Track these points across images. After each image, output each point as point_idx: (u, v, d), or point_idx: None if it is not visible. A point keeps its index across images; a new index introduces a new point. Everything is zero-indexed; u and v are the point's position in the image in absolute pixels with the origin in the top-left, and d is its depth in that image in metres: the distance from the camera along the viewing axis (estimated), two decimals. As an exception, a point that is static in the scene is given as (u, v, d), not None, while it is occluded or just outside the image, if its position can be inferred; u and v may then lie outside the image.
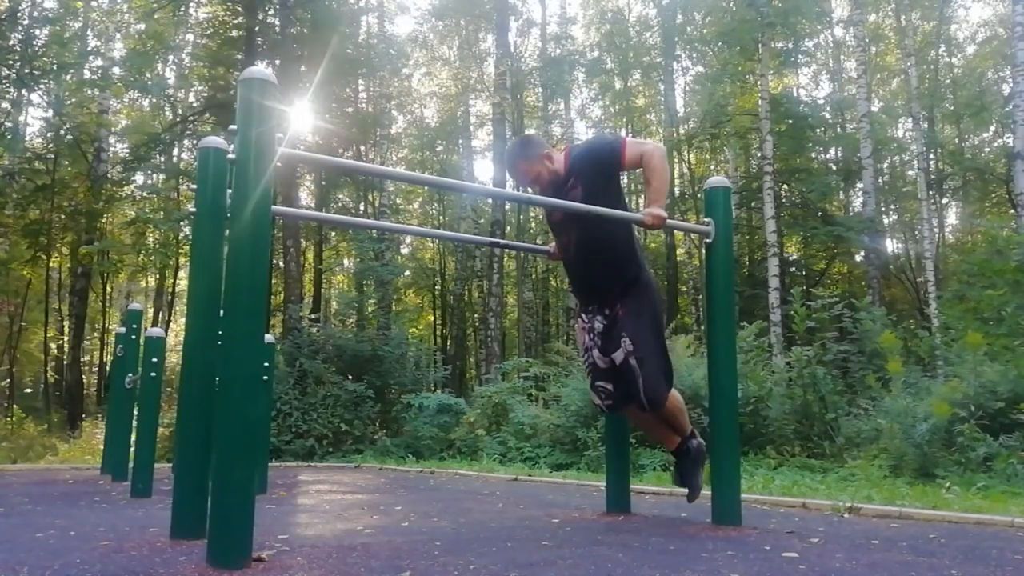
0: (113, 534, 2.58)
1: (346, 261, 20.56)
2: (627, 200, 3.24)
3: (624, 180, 3.21)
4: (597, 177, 3.00)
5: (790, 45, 15.47)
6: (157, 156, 14.49)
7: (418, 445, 8.71)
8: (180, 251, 16.52)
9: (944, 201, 19.92)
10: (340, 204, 17.96)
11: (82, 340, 15.84)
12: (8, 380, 15.06)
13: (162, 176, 15.77)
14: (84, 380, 17.13)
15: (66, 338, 16.53)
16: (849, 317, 7.44)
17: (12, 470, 6.76)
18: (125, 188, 15.45)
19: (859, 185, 16.17)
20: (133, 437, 4.96)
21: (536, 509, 3.63)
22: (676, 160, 19.91)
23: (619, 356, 2.93)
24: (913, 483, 4.64)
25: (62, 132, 14.90)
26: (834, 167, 18.27)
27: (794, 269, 17.99)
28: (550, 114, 20.89)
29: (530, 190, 3.27)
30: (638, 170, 3.05)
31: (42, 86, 13.49)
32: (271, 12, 13.44)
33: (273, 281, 14.53)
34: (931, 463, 4.93)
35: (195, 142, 13.20)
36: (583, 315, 3.15)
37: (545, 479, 5.76)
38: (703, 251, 5.25)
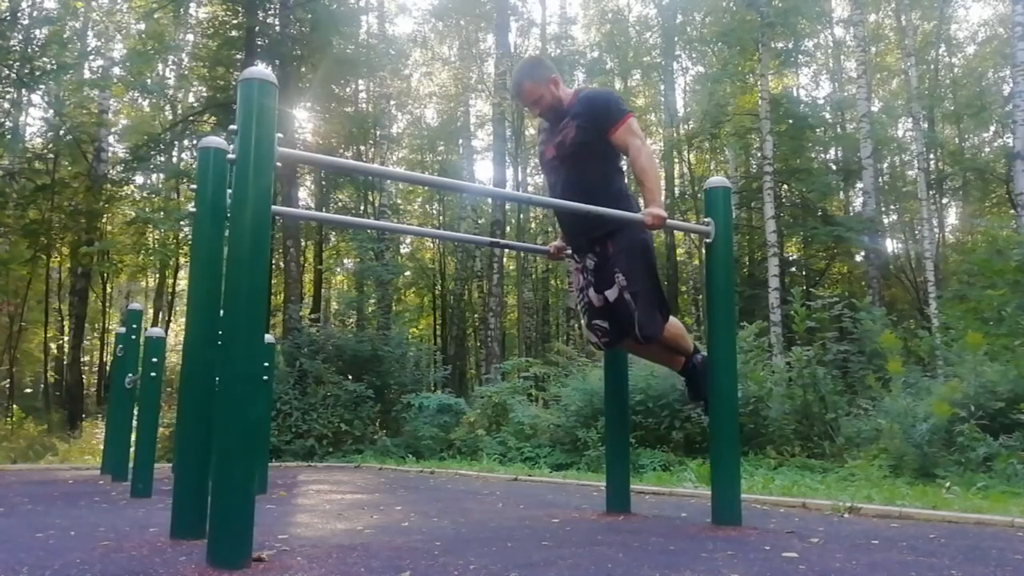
0: (113, 534, 2.58)
1: (346, 261, 20.56)
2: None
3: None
4: (591, 127, 3.03)
5: (790, 45, 15.48)
6: (157, 156, 14.49)
7: (418, 445, 8.71)
8: (180, 251, 16.53)
9: (944, 201, 19.92)
10: (340, 204, 17.95)
11: (82, 340, 15.83)
12: (8, 380, 15.06)
13: (162, 176, 15.75)
14: (84, 380, 17.13)
15: (66, 338, 16.53)
16: (849, 317, 7.44)
17: (12, 470, 6.76)
18: (125, 188, 15.45)
19: (859, 185, 16.17)
20: (133, 437, 4.95)
21: (536, 509, 3.63)
22: (676, 160, 19.92)
23: (613, 293, 2.97)
24: (913, 483, 4.64)
25: (62, 132, 14.89)
26: (834, 167, 18.28)
27: (794, 269, 18.00)
28: (550, 114, 20.82)
29: (536, 142, 3.27)
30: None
31: (42, 86, 13.48)
32: (271, 12, 13.44)
33: (273, 281, 14.53)
34: (931, 463, 4.93)
35: (195, 142, 13.19)
36: (575, 256, 3.20)
37: (545, 479, 5.76)
38: (703, 251, 5.24)
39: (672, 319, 3.09)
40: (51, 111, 15.29)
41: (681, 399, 6.43)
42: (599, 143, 3.03)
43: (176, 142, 15.07)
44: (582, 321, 3.28)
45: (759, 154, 15.85)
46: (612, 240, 3.01)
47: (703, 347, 3.27)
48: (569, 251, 3.24)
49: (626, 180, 3.24)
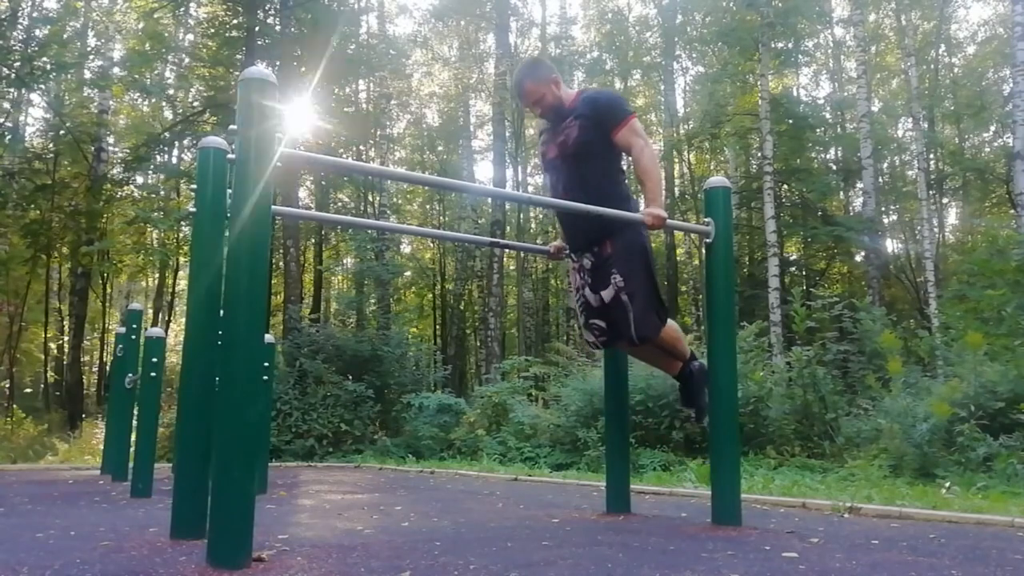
0: (113, 534, 2.58)
1: (346, 261, 20.56)
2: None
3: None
4: (593, 128, 3.02)
5: (790, 45, 15.48)
6: (157, 156, 14.49)
7: (418, 445, 8.71)
8: (180, 251, 16.52)
9: (944, 201, 19.92)
10: (340, 204, 17.96)
11: (82, 340, 15.83)
12: (8, 380, 15.05)
13: (162, 176, 15.75)
14: (84, 380, 17.12)
15: (66, 338, 16.53)
16: (849, 317, 7.45)
17: (12, 470, 6.76)
18: (125, 188, 15.45)
19: (859, 185, 16.17)
20: (133, 437, 4.95)
21: (536, 509, 3.63)
22: (676, 160, 19.92)
23: (609, 293, 2.97)
24: (913, 483, 4.64)
25: (62, 132, 14.89)
26: (834, 167, 18.28)
27: (794, 269, 17.99)
28: (550, 114, 20.82)
29: (536, 142, 3.27)
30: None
31: (42, 86, 13.48)
32: (271, 12, 13.44)
33: (273, 281, 14.53)
34: (931, 463, 4.92)
35: (195, 142, 13.19)
36: (573, 255, 3.19)
37: (545, 479, 5.76)
38: (703, 251, 5.24)
39: (670, 322, 3.09)
40: (51, 111, 15.29)
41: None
42: (601, 143, 3.03)
43: (176, 142, 15.07)
44: (579, 320, 3.28)
45: (759, 154, 15.85)
46: (610, 240, 3.01)
47: (703, 347, 3.27)
48: (568, 251, 3.25)
49: (627, 181, 3.24)
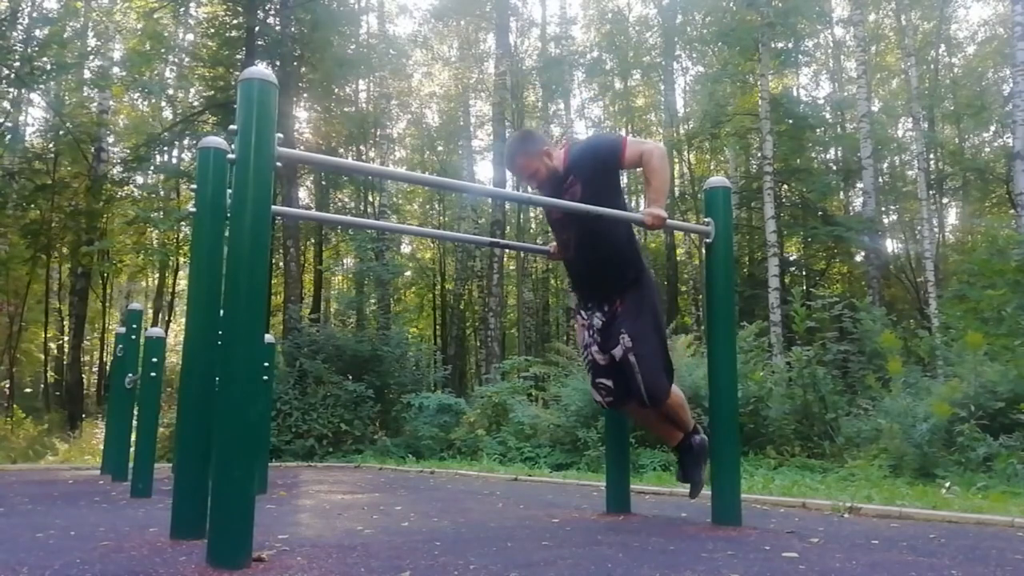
0: (113, 534, 2.58)
1: (346, 261, 20.56)
2: (627, 200, 3.24)
3: (624, 180, 3.22)
4: (596, 175, 2.99)
5: (790, 45, 15.46)
6: (157, 156, 14.49)
7: (418, 445, 8.71)
8: (180, 251, 16.52)
9: (944, 201, 19.91)
10: (340, 204, 17.95)
11: (82, 340, 15.83)
12: (8, 380, 15.05)
13: (162, 176, 15.76)
14: (84, 380, 17.12)
15: (66, 338, 16.52)
16: (849, 317, 7.44)
17: (12, 470, 6.76)
18: (125, 188, 15.45)
19: (859, 185, 16.16)
20: (133, 437, 4.95)
21: (536, 509, 3.63)
22: (676, 160, 19.91)
23: (618, 352, 2.92)
24: (913, 483, 4.64)
25: (62, 132, 14.89)
26: (834, 167, 18.27)
27: (794, 269, 17.98)
28: (550, 114, 20.88)
29: (529, 189, 3.26)
30: (638, 169, 3.04)
31: (42, 86, 13.48)
32: (271, 12, 13.44)
33: (273, 281, 14.53)
34: (931, 463, 4.92)
35: (195, 142, 13.19)
36: (582, 312, 3.14)
37: (545, 479, 5.76)
38: (703, 251, 5.24)
39: (675, 388, 3.02)
40: (51, 111, 15.29)
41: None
42: (606, 193, 2.96)
43: (176, 142, 15.07)
44: (587, 378, 3.21)
45: (759, 154, 15.84)
46: (621, 299, 2.98)
47: (703, 347, 3.26)
48: (577, 307, 3.18)
49: (636, 232, 3.23)
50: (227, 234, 2.39)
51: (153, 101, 16.86)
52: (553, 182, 3.07)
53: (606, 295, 3.03)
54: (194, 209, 2.62)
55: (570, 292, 3.19)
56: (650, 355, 2.91)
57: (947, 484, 4.39)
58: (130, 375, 5.10)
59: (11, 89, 13.26)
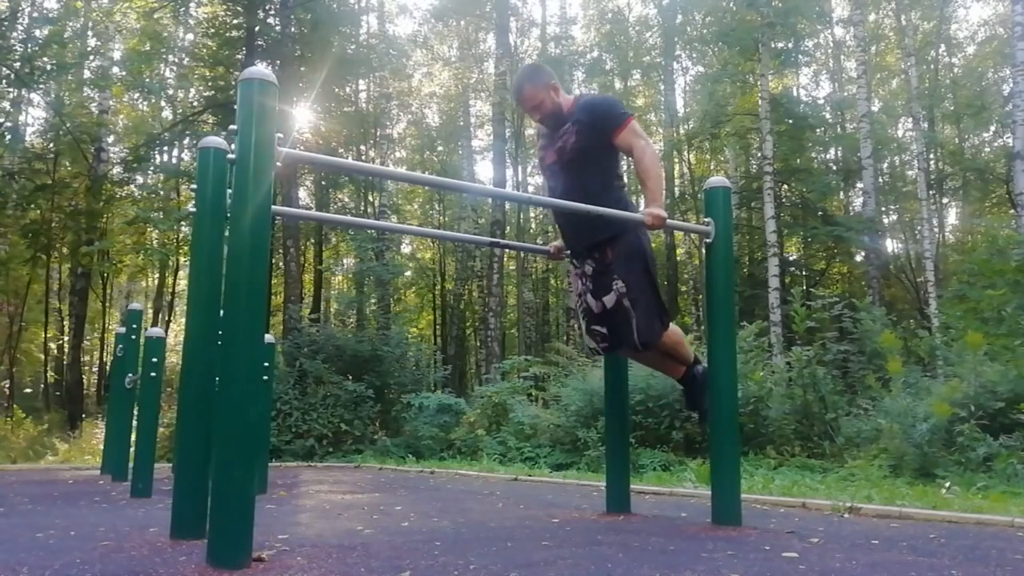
0: (113, 534, 2.58)
1: (346, 261, 20.56)
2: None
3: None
4: (592, 133, 3.03)
5: (790, 45, 15.47)
6: (157, 156, 14.49)
7: (418, 445, 8.71)
8: (180, 251, 16.52)
9: (944, 201, 19.92)
10: (340, 204, 17.96)
11: (82, 340, 15.83)
12: (8, 380, 15.05)
13: (162, 176, 15.76)
14: (84, 380, 17.12)
15: (66, 338, 16.52)
16: (849, 317, 7.44)
17: (12, 470, 6.76)
18: (125, 188, 15.46)
19: (859, 185, 16.17)
20: (133, 437, 4.95)
21: (536, 509, 3.63)
22: (676, 160, 19.91)
23: (611, 299, 2.98)
24: (913, 483, 4.64)
25: (62, 132, 14.89)
26: (834, 167, 18.28)
27: (794, 269, 17.99)
28: (550, 114, 20.82)
29: (534, 141, 3.28)
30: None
31: (42, 86, 13.48)
32: (271, 12, 13.44)
33: (273, 281, 14.53)
34: (931, 463, 4.92)
35: (195, 142, 13.19)
36: (574, 261, 3.19)
37: (545, 479, 5.76)
38: (703, 251, 5.24)
39: (672, 326, 3.09)
40: (51, 111, 15.29)
41: (681, 399, 6.43)
42: (600, 149, 3.03)
43: (176, 142, 15.08)
44: (581, 326, 3.28)
45: (759, 154, 15.85)
46: (611, 246, 3.01)
47: (703, 347, 3.27)
48: (569, 255, 3.25)
49: (626, 187, 3.24)
50: (227, 234, 2.39)
51: (153, 101, 16.87)
52: (554, 119, 3.12)
53: (596, 243, 3.05)
54: (194, 209, 2.62)
55: (567, 255, 3.22)
56: (644, 300, 2.96)
57: (947, 484, 4.38)
58: (130, 375, 5.10)
59: (11, 89, 13.27)
